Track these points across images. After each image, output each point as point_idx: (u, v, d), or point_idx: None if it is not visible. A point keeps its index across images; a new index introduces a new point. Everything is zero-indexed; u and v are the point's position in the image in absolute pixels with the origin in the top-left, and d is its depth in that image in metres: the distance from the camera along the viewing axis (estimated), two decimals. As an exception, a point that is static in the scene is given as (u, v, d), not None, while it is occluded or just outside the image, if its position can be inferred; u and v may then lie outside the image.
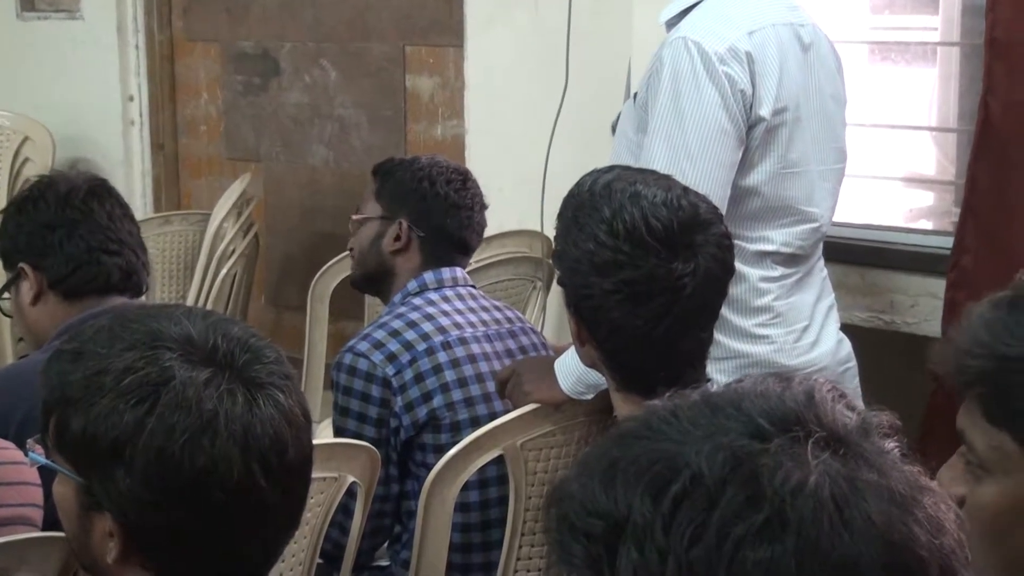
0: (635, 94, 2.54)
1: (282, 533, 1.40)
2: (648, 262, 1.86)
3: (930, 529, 0.89)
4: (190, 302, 4.25)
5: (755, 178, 2.44)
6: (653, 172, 2.00)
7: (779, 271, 2.50)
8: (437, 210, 2.76)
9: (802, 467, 0.89)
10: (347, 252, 2.93)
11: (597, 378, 2.12)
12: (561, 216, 1.97)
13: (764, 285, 2.48)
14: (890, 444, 0.95)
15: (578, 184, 1.97)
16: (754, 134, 2.41)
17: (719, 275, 1.93)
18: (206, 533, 1.33)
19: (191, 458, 1.29)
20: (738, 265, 2.33)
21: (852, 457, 0.91)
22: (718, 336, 2.23)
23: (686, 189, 1.95)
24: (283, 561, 2.20)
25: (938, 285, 3.27)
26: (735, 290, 2.39)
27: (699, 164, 2.26)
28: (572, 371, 2.21)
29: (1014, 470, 1.28)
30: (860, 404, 0.97)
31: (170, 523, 1.32)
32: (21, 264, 2.36)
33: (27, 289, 2.35)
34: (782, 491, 0.88)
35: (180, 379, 1.31)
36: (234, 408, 1.31)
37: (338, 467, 2.23)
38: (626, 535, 0.90)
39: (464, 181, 2.82)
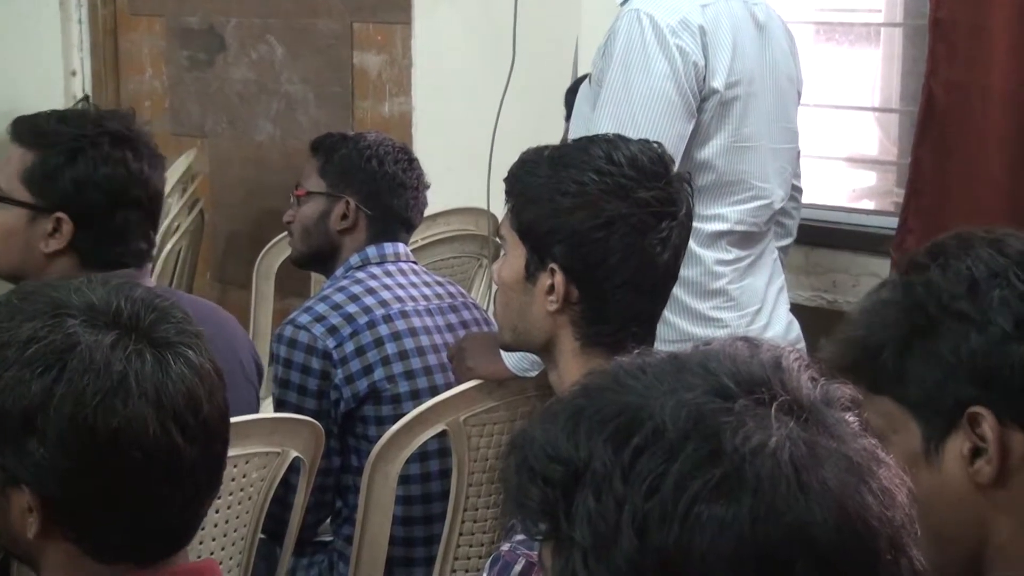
0: (589, 74, 2.54)
1: (203, 495, 1.39)
2: (654, 184, 1.87)
3: (883, 501, 0.91)
4: (133, 278, 4.21)
5: (709, 151, 2.45)
6: None
7: (733, 253, 2.51)
8: (385, 190, 2.74)
9: (764, 428, 0.90)
10: (291, 228, 2.90)
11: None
12: (527, 176, 1.91)
13: (719, 268, 2.49)
14: (850, 416, 0.96)
15: (526, 154, 1.94)
16: (707, 107, 2.42)
17: (692, 216, 1.94)
18: (125, 497, 1.32)
19: (104, 421, 1.28)
20: (694, 247, 2.34)
21: (813, 424, 0.92)
22: (673, 318, 2.23)
23: None
24: (225, 536, 2.19)
25: (880, 264, 3.30)
26: (691, 272, 2.40)
27: (644, 135, 2.26)
28: (516, 347, 2.21)
29: (900, 428, 1.29)
30: (823, 375, 0.98)
31: (89, 490, 1.31)
32: (60, 215, 2.18)
33: (51, 237, 2.19)
34: (742, 450, 0.89)
35: (86, 344, 1.30)
36: (144, 368, 1.30)
37: (281, 442, 2.22)
38: (585, 482, 0.91)
39: (410, 161, 2.81)
